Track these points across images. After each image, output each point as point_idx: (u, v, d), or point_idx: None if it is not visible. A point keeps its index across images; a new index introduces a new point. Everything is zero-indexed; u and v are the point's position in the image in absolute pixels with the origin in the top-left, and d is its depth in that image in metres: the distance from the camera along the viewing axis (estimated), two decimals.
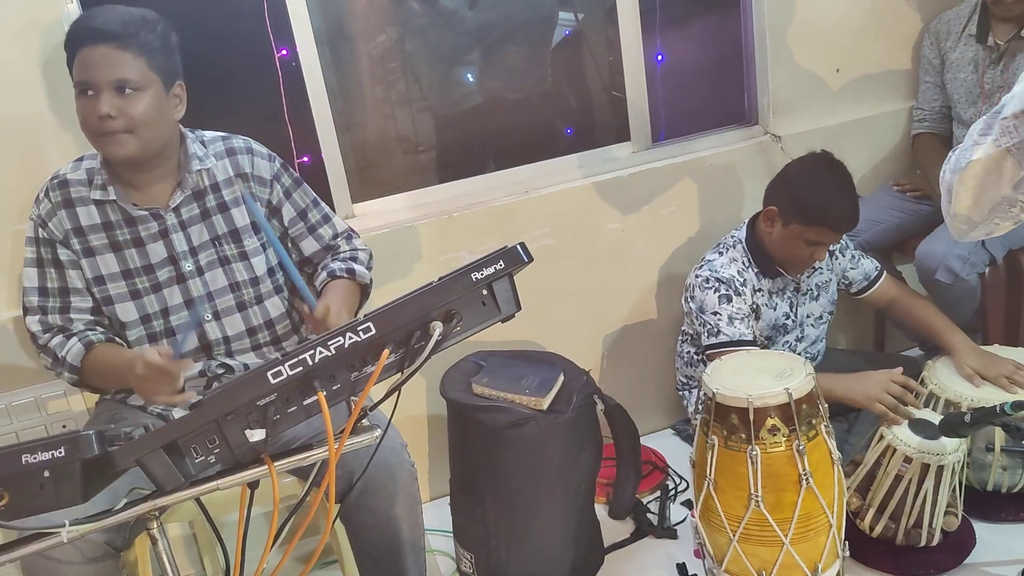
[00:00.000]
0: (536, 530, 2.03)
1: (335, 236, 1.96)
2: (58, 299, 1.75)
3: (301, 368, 1.09)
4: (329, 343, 1.10)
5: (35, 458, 1.04)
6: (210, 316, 1.80)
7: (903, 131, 2.79)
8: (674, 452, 2.60)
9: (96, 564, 1.55)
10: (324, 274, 1.89)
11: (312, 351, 1.09)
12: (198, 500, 1.27)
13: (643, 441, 2.30)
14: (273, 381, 1.09)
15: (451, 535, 2.23)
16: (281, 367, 1.09)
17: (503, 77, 2.63)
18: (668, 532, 2.26)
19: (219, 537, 1.35)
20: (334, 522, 1.74)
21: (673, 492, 2.44)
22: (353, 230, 2.00)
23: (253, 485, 1.23)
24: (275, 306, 1.86)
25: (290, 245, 1.92)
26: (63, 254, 1.74)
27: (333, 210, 2.00)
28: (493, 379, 2.05)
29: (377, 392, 1.17)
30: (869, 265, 2.40)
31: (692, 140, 2.68)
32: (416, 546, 1.71)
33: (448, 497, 2.22)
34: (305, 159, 2.37)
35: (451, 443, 2.13)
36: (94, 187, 1.74)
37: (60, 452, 1.05)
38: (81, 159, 1.79)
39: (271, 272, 1.86)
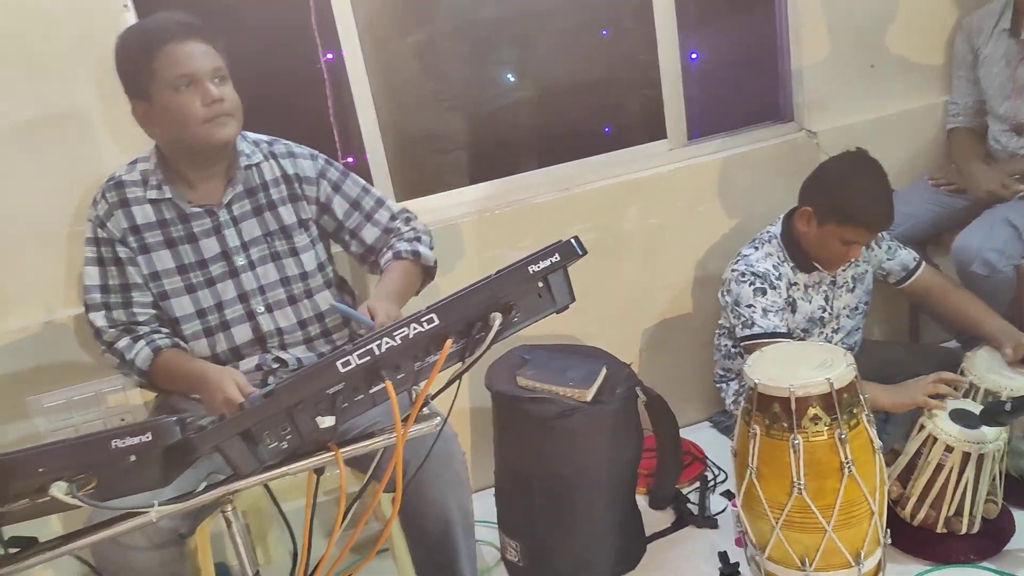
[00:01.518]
0: (581, 519, 2.06)
1: (392, 218, 1.99)
2: (120, 295, 1.81)
3: (368, 358, 1.13)
4: (395, 333, 1.14)
5: (123, 443, 1.09)
6: (263, 309, 1.85)
7: (938, 125, 2.79)
8: (712, 444, 2.62)
9: (162, 550, 1.60)
10: (390, 254, 1.92)
11: (379, 341, 1.14)
12: (266, 486, 1.33)
13: (681, 434, 2.33)
14: (342, 370, 1.13)
15: (494, 525, 2.27)
16: (349, 357, 1.13)
17: (542, 76, 2.67)
18: (709, 521, 2.29)
19: (287, 522, 1.40)
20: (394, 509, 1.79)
21: (712, 483, 2.46)
22: (408, 210, 2.02)
23: (319, 471, 1.28)
24: (325, 300, 1.91)
25: (348, 238, 1.96)
26: (122, 252, 1.80)
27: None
28: (538, 372, 2.09)
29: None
30: (907, 256, 2.40)
31: (727, 137, 2.70)
32: (468, 533, 1.75)
33: (490, 489, 2.27)
34: (350, 159, 2.42)
35: (496, 434, 2.17)
36: (149, 187, 1.80)
37: (146, 437, 1.10)
38: (135, 162, 1.85)
39: (320, 267, 1.91)
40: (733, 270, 2.30)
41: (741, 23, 2.78)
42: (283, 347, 1.88)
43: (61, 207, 2.13)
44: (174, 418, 1.13)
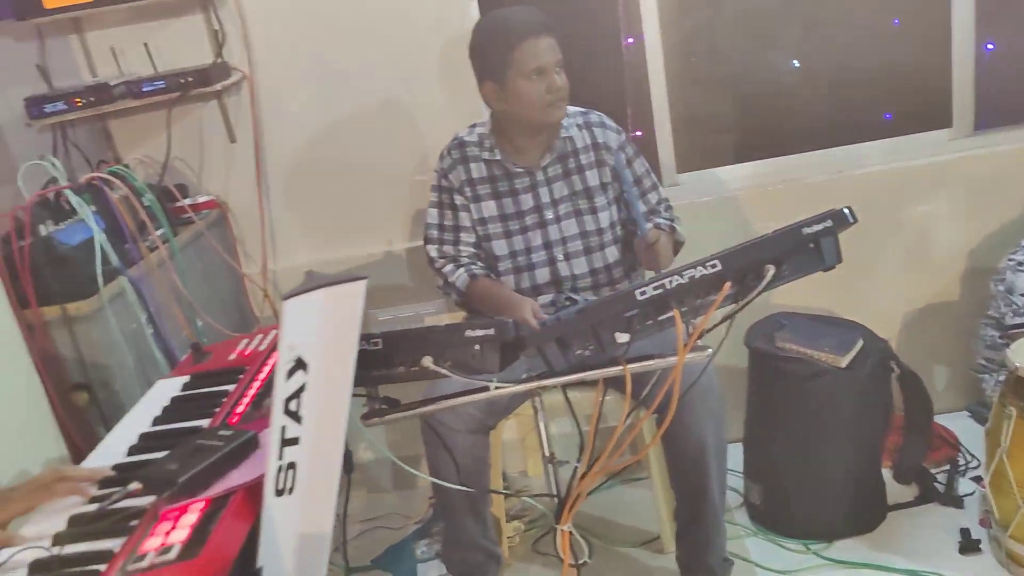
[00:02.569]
0: (822, 473, 2.22)
1: (659, 202, 2.26)
2: (451, 233, 2.22)
3: (660, 291, 1.40)
4: (684, 273, 1.40)
5: (473, 333, 1.45)
6: (562, 257, 2.19)
7: None
8: (967, 433, 2.61)
9: (473, 435, 2.00)
10: (650, 224, 2.18)
11: (670, 278, 1.40)
12: (564, 391, 1.66)
13: (937, 420, 2.38)
14: (639, 298, 1.40)
15: (737, 474, 2.47)
16: (646, 288, 1.40)
17: (825, 62, 2.78)
18: (954, 500, 2.33)
19: (576, 421, 1.72)
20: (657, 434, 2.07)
21: (963, 468, 2.49)
22: (670, 202, 2.29)
23: (609, 382, 1.58)
24: (613, 254, 2.21)
25: (622, 205, 2.25)
26: (458, 200, 2.20)
27: (660, 179, 2.31)
28: (795, 335, 2.26)
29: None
30: None
31: (1017, 129, 2.65)
32: (720, 460, 1.99)
33: (735, 442, 2.47)
34: (638, 133, 2.70)
35: (750, 388, 2.37)
36: (483, 148, 2.19)
37: (490, 332, 1.45)
38: (474, 125, 2.24)
39: (612, 225, 2.21)
40: (1011, 259, 2.31)
41: None
42: (574, 290, 2.20)
43: (407, 160, 2.61)
44: (511, 320, 1.47)
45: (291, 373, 0.87)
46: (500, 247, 2.19)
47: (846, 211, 1.38)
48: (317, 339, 0.88)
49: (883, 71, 2.77)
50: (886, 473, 2.45)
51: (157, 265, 2.10)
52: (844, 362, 2.16)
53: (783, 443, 2.26)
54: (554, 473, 1.63)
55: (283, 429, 0.85)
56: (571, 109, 2.22)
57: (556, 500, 1.60)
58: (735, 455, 2.52)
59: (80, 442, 1.83)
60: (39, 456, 1.73)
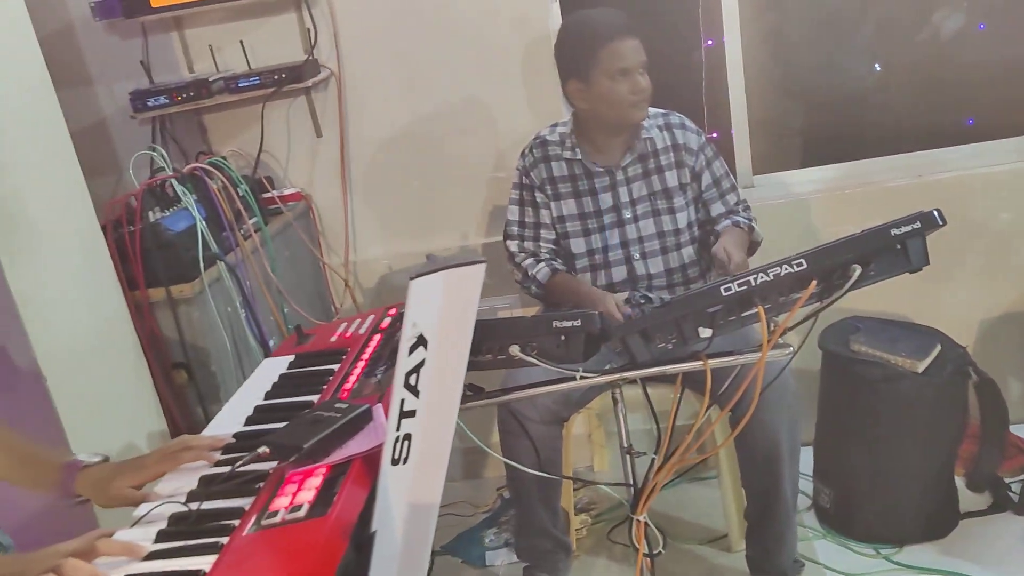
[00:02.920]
0: (895, 477, 2.21)
1: (736, 203, 2.27)
2: (532, 230, 2.27)
3: (745, 287, 1.43)
4: (769, 271, 1.43)
5: (560, 325, 1.50)
6: (638, 256, 2.23)
7: None
8: None
9: (547, 426, 2.05)
10: (729, 222, 2.21)
11: (756, 275, 1.43)
12: (643, 385, 1.69)
13: (1012, 430, 2.36)
14: (724, 294, 1.43)
15: (807, 477, 2.47)
16: (731, 284, 1.43)
17: (908, 67, 2.75)
18: None
19: (654, 414, 1.75)
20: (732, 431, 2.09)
21: None
22: (748, 203, 2.30)
23: (686, 378, 1.61)
24: (689, 255, 2.23)
25: (700, 206, 2.26)
26: (539, 197, 2.25)
27: (736, 179, 2.33)
28: (870, 339, 2.25)
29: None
30: None
31: None
32: (793, 460, 2.00)
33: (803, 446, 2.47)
34: (714, 134, 2.72)
35: (823, 390, 2.37)
36: (565, 148, 2.23)
37: (577, 323, 1.50)
38: (555, 124, 2.29)
39: (690, 226, 2.23)
40: None
41: None
42: (650, 289, 2.23)
43: (485, 157, 2.67)
44: (597, 312, 1.52)
45: (412, 349, 0.93)
46: (578, 245, 2.24)
47: (935, 213, 1.40)
48: (437, 317, 0.94)
49: (966, 76, 2.73)
50: (959, 481, 2.43)
51: (250, 252, 2.20)
52: (921, 367, 2.15)
53: (856, 446, 2.25)
54: (631, 464, 1.68)
55: (402, 402, 0.91)
56: (652, 110, 2.25)
57: (632, 490, 1.64)
58: (804, 457, 2.52)
59: (179, 418, 1.93)
60: (141, 429, 1.84)
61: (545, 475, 1.95)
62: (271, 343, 2.12)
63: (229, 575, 0.82)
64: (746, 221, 2.22)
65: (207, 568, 0.85)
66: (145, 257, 1.85)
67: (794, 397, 1.99)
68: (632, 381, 1.59)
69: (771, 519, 2.06)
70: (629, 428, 1.70)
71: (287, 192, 2.62)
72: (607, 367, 1.60)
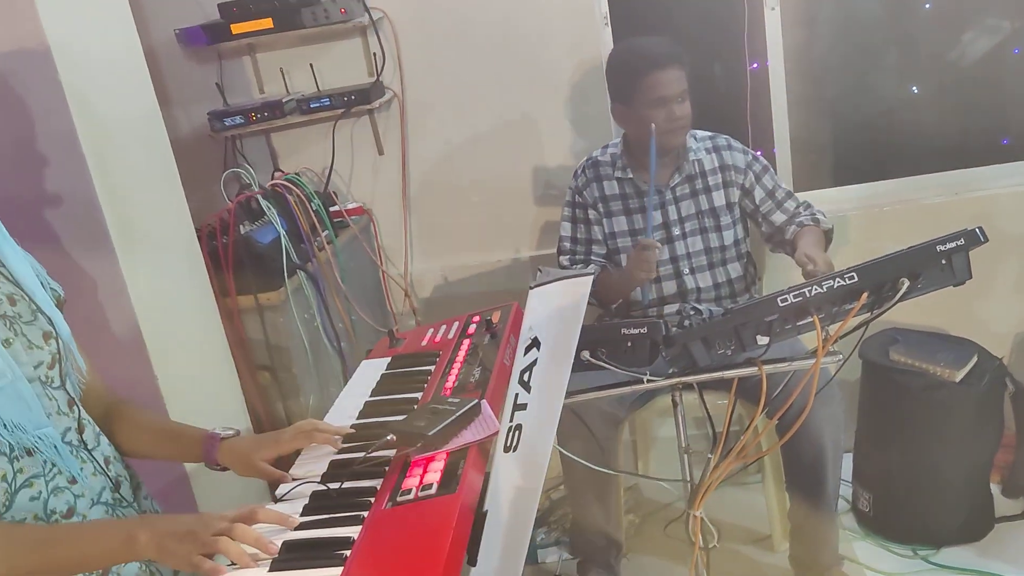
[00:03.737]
0: (932, 482, 2.30)
1: (796, 207, 2.35)
2: (583, 245, 2.40)
3: (801, 298, 1.54)
4: (823, 283, 1.54)
5: (628, 331, 1.62)
6: (687, 271, 2.35)
7: None
8: None
9: (605, 427, 2.17)
10: (793, 227, 2.30)
11: (810, 287, 1.54)
12: (700, 390, 1.81)
13: None
14: (780, 304, 1.55)
15: (845, 482, 2.56)
16: (787, 295, 1.55)
17: (945, 88, 2.86)
18: None
19: (709, 417, 1.87)
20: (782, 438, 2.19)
21: None
22: (810, 203, 2.37)
23: (742, 383, 1.72)
24: (735, 270, 2.35)
25: (760, 219, 2.36)
26: (591, 214, 2.38)
27: None
28: (910, 349, 2.35)
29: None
30: None
31: None
32: (836, 462, 2.10)
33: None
34: (758, 152, 2.83)
35: (863, 399, 2.47)
36: (616, 168, 2.36)
37: (643, 330, 1.62)
38: (607, 146, 2.42)
39: (736, 243, 2.35)
40: None
41: None
42: (699, 301, 2.36)
43: (536, 175, 2.81)
44: (661, 320, 1.65)
45: (527, 349, 1.06)
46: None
47: (978, 231, 1.50)
48: (549, 322, 1.07)
49: (1001, 98, 2.84)
50: (994, 488, 2.52)
51: (324, 263, 2.35)
52: (959, 376, 2.25)
53: (895, 452, 2.35)
54: (688, 463, 1.80)
55: (516, 396, 1.04)
56: (700, 133, 2.38)
57: (689, 487, 1.76)
58: (844, 463, 2.61)
59: (262, 415, 2.08)
60: (229, 425, 1.98)
61: (604, 470, 2.08)
62: (342, 347, 2.26)
63: (376, 542, 0.95)
64: (811, 219, 2.31)
65: (354, 536, 0.98)
66: (237, 267, 2.00)
67: (839, 405, 2.10)
68: (690, 386, 1.72)
69: (815, 519, 2.17)
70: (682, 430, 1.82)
71: (350, 206, 2.77)
72: (670, 371, 1.72)
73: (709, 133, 2.39)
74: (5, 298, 1.15)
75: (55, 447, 1.13)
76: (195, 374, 1.82)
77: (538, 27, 2.67)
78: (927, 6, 2.77)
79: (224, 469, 1.32)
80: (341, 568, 0.94)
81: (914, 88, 2.84)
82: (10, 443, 1.07)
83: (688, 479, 1.78)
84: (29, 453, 1.10)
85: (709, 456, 1.74)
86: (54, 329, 1.20)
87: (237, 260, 2.00)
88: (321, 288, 2.20)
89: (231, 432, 1.32)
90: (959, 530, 2.36)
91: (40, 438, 1.11)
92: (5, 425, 1.07)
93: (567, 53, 2.69)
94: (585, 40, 2.67)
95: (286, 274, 2.09)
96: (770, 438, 2.26)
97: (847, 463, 2.52)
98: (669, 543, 2.55)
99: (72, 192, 1.50)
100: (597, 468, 1.98)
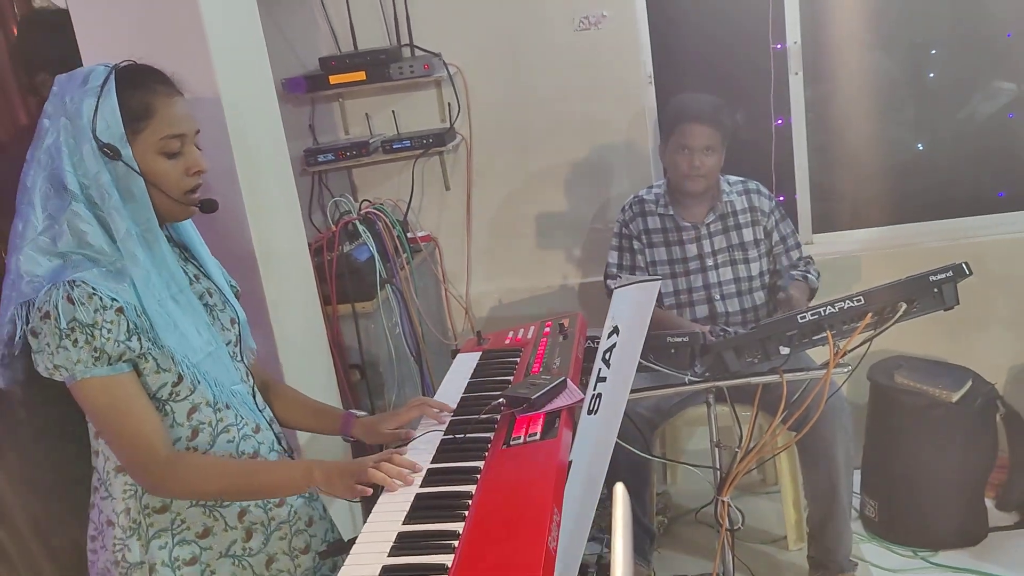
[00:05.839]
0: (933, 491, 2.57)
1: (799, 258, 2.69)
2: (627, 272, 2.71)
3: (816, 316, 1.86)
4: (835, 304, 1.86)
5: (672, 339, 1.95)
6: (719, 297, 2.67)
7: None
8: None
9: (644, 428, 2.48)
10: (788, 276, 2.62)
11: (824, 308, 1.86)
12: (727, 391, 2.11)
13: None
14: (800, 321, 1.87)
15: (855, 493, 2.84)
16: (805, 314, 1.87)
17: (948, 143, 3.19)
18: None
19: (736, 417, 2.17)
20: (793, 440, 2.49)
21: None
22: (811, 258, 2.72)
23: (763, 396, 2.03)
24: (760, 298, 2.65)
25: (771, 258, 2.69)
26: (636, 245, 2.71)
27: (799, 236, 2.78)
28: (912, 373, 2.64)
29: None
30: None
31: None
32: (848, 469, 2.37)
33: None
34: (781, 197, 3.17)
35: (870, 417, 2.75)
36: (659, 205, 2.69)
37: (684, 339, 1.95)
38: (651, 186, 2.75)
39: (762, 274, 2.66)
40: None
41: None
42: (728, 324, 2.67)
43: (586, 211, 3.15)
44: (699, 330, 1.97)
45: (610, 335, 1.38)
46: (667, 286, 2.67)
47: (964, 265, 1.81)
48: (627, 314, 1.39)
49: (998, 155, 3.16)
50: (989, 503, 2.78)
51: (404, 280, 2.69)
52: (955, 397, 2.54)
53: (898, 464, 2.63)
54: (718, 455, 2.10)
55: (599, 371, 1.36)
56: (732, 178, 2.71)
57: (718, 476, 2.06)
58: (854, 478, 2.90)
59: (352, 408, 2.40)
60: None
61: (649, 456, 2.38)
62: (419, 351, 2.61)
63: (498, 471, 1.26)
64: (802, 274, 2.63)
65: (481, 465, 1.31)
66: (339, 280, 2.35)
67: (848, 417, 2.39)
68: (720, 396, 2.02)
69: (831, 522, 2.44)
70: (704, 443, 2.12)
71: (421, 234, 3.12)
72: (707, 375, 2.03)
73: (740, 178, 2.73)
74: (205, 291, 1.49)
75: (245, 402, 1.46)
76: (304, 367, 2.15)
77: (591, 83, 3.02)
78: (931, 75, 3.12)
79: (355, 440, 1.64)
80: (463, 523, 1.19)
81: (920, 145, 3.18)
82: (215, 396, 1.41)
83: (718, 467, 2.08)
84: (227, 406, 1.44)
85: (736, 449, 2.04)
86: (237, 316, 1.54)
87: (339, 273, 2.35)
88: (410, 300, 2.55)
89: (363, 414, 1.64)
90: (955, 535, 2.62)
91: (234, 394, 1.44)
92: (215, 382, 1.40)
93: (616, 106, 3.04)
94: (632, 95, 3.02)
95: (378, 287, 2.44)
96: (785, 440, 2.56)
97: (856, 478, 2.81)
98: (694, 541, 2.83)
99: (231, 210, 1.86)
100: (641, 454, 2.28)
